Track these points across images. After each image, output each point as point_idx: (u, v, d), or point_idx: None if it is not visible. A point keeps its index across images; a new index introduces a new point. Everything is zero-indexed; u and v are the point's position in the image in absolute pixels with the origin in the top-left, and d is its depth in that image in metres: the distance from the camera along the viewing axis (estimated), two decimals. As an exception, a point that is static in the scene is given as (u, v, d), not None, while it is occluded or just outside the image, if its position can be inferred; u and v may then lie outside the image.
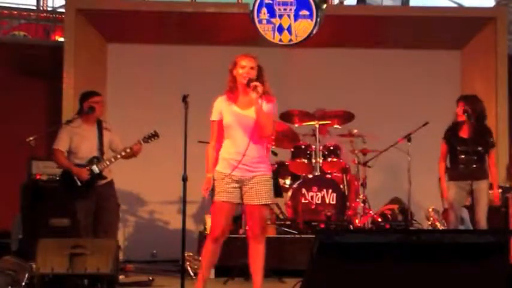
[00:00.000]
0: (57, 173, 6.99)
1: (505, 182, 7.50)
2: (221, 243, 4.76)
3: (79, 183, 6.07)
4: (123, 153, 6.18)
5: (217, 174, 4.68)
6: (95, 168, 6.11)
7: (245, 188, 4.67)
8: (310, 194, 7.14)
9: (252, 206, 4.68)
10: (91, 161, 6.13)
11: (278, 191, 6.94)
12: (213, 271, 6.40)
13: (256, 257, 4.71)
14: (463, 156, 6.11)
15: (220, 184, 4.65)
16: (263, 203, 4.70)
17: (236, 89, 4.71)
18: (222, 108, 4.71)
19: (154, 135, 6.27)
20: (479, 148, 6.11)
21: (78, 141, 6.14)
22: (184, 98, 4.76)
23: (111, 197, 6.30)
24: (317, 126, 7.43)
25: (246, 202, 4.69)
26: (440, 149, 6.30)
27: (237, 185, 4.66)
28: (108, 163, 6.16)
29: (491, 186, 6.24)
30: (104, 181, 6.20)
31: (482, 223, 6.04)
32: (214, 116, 4.75)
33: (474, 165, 6.06)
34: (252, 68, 4.67)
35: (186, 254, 5.63)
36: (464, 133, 6.15)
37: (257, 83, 4.58)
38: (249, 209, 4.71)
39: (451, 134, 6.22)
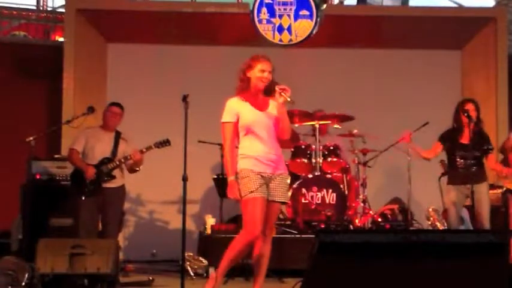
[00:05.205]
0: (58, 172, 7.03)
1: (497, 180, 7.42)
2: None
3: (87, 181, 6.18)
4: (122, 160, 6.28)
5: (245, 172, 4.54)
6: (104, 168, 6.24)
7: (271, 185, 4.61)
8: (310, 194, 7.13)
9: (274, 204, 4.64)
10: (102, 161, 6.27)
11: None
12: (212, 270, 6.40)
13: (262, 258, 4.66)
14: (462, 161, 6.12)
15: (251, 181, 4.51)
16: (283, 200, 4.72)
17: (249, 90, 4.65)
18: (239, 109, 4.60)
19: (166, 142, 6.32)
20: (478, 153, 6.11)
21: (92, 143, 6.32)
22: (184, 98, 4.73)
23: (117, 202, 6.38)
24: (317, 126, 7.43)
25: (270, 199, 4.61)
26: (433, 146, 6.33)
27: (263, 182, 4.57)
28: (117, 163, 6.27)
29: (491, 187, 6.24)
30: (113, 183, 6.28)
31: (486, 225, 6.03)
32: (229, 118, 4.61)
33: (473, 169, 6.06)
34: (270, 72, 4.63)
35: (186, 254, 5.63)
36: (463, 138, 6.13)
37: (284, 87, 4.56)
38: (269, 206, 4.61)
39: (450, 140, 6.21)
